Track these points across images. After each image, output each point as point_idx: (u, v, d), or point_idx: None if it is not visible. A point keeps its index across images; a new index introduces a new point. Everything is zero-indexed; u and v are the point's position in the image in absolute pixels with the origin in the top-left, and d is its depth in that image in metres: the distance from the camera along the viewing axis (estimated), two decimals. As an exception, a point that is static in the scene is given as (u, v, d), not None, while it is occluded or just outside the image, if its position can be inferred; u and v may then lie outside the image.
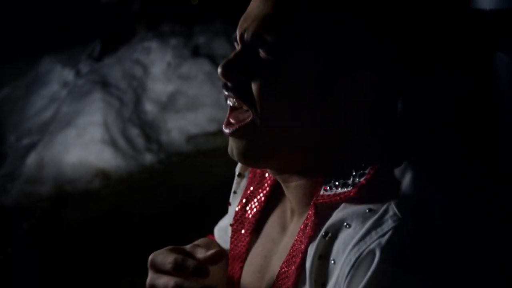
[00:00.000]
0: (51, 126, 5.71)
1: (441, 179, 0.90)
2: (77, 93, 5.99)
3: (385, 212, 0.83)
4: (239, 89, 0.94)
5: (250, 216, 1.09)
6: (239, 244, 1.09)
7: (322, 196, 0.90)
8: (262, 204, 1.08)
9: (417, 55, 0.90)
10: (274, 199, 1.08)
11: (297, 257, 0.91)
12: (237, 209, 1.11)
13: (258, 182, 1.10)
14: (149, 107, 5.84)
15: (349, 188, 0.88)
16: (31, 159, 5.27)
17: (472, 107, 1.01)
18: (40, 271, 3.92)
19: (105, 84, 5.97)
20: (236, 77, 0.94)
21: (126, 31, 6.65)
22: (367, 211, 0.84)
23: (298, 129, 0.92)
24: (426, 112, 0.95)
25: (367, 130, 0.93)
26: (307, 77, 0.90)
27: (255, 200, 1.09)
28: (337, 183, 0.90)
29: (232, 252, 1.10)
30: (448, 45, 0.94)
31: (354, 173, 0.89)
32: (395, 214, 0.82)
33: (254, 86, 0.92)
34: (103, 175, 5.07)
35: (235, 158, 0.96)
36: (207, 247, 1.07)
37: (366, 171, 0.88)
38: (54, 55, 6.88)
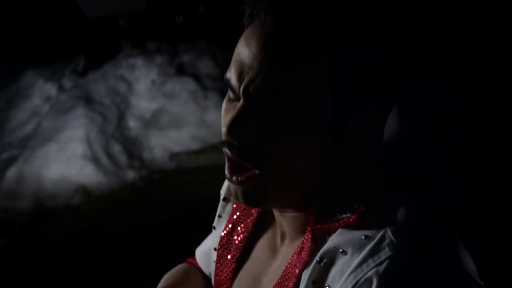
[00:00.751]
0: (32, 140, 5.65)
1: (433, 206, 0.91)
2: (60, 108, 5.94)
3: (382, 239, 0.84)
4: (245, 150, 0.89)
5: (237, 242, 1.08)
6: (225, 269, 1.09)
7: (320, 221, 0.90)
8: (250, 230, 1.07)
9: (418, 58, 0.90)
10: (262, 223, 1.07)
11: (289, 281, 0.91)
12: (223, 234, 1.10)
13: (245, 208, 1.10)
14: (132, 124, 5.82)
15: (348, 215, 0.88)
16: (11, 173, 5.20)
17: (472, 109, 1.02)
18: (18, 285, 3.86)
19: (88, 100, 5.93)
20: (243, 135, 0.89)
21: (111, 47, 6.63)
22: (363, 238, 0.85)
23: (308, 175, 0.91)
24: (426, 115, 0.96)
25: (367, 160, 0.93)
26: (320, 124, 0.87)
27: (242, 225, 1.09)
28: (334, 208, 0.90)
29: (217, 278, 1.10)
30: (448, 48, 0.95)
31: (352, 200, 0.89)
32: (391, 242, 0.83)
33: (263, 144, 0.88)
34: (84, 191, 5.02)
35: (241, 202, 0.94)
36: (185, 278, 1.08)
37: (364, 198, 0.89)
38: (37, 69, 6.83)
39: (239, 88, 0.89)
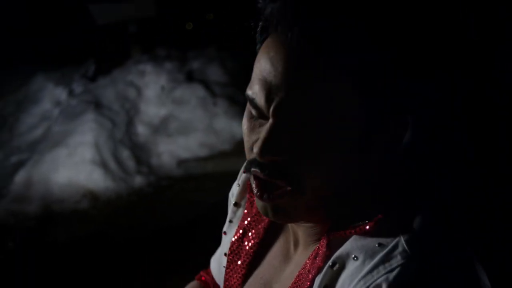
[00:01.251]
0: (41, 144, 5.67)
1: (448, 217, 0.90)
2: (69, 112, 5.97)
3: (395, 247, 0.83)
4: (277, 169, 0.87)
5: (248, 247, 1.07)
6: (235, 275, 1.08)
7: (337, 227, 0.89)
8: (261, 236, 1.07)
9: (418, 58, 0.89)
10: (273, 229, 1.07)
11: (302, 286, 0.90)
12: (233, 239, 1.10)
13: (256, 213, 1.09)
14: (141, 130, 5.83)
15: (365, 222, 0.87)
16: (19, 177, 5.22)
17: (472, 109, 1.02)
18: (24, 291, 3.87)
19: (98, 105, 5.95)
20: (275, 156, 0.87)
21: (121, 53, 6.66)
22: (376, 245, 0.84)
23: (337, 187, 0.89)
24: (427, 116, 0.96)
25: (387, 167, 0.92)
26: (352, 133, 0.86)
27: (254, 231, 1.08)
28: (351, 215, 0.89)
29: (227, 283, 1.09)
30: (448, 48, 0.94)
31: (369, 207, 0.89)
32: (404, 250, 0.82)
33: (297, 161, 0.86)
34: (92, 196, 5.03)
35: (271, 218, 0.93)
36: None
37: (381, 205, 0.88)
38: (47, 73, 6.86)
39: (268, 108, 0.86)
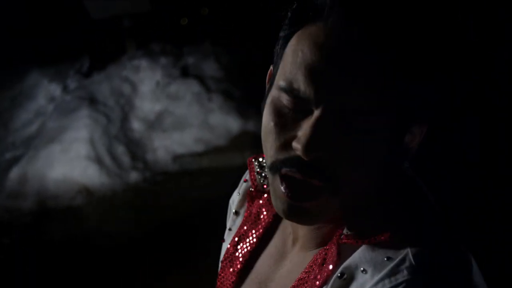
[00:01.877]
0: (35, 140, 5.66)
1: (452, 226, 0.90)
2: (64, 108, 5.95)
3: (402, 261, 0.82)
4: (317, 168, 0.82)
5: (240, 256, 1.07)
6: (226, 282, 1.08)
7: (347, 236, 0.88)
8: (254, 245, 1.06)
9: (417, 59, 0.87)
10: (268, 235, 1.06)
11: None
12: (228, 246, 1.10)
13: (252, 223, 1.08)
14: (136, 125, 5.82)
15: (377, 233, 0.85)
16: (14, 173, 5.20)
17: (471, 111, 1.02)
18: (19, 286, 3.86)
19: (92, 101, 5.94)
20: (320, 153, 0.81)
21: (116, 48, 6.64)
22: (385, 259, 0.83)
23: (367, 189, 0.87)
24: (426, 117, 0.95)
25: (393, 174, 0.92)
26: (389, 136, 0.83)
27: (247, 240, 1.07)
28: (362, 224, 0.88)
29: None
30: (448, 49, 0.93)
31: (380, 217, 0.87)
32: (411, 265, 0.81)
33: (337, 160, 0.82)
34: (87, 192, 5.02)
35: (293, 220, 0.88)
36: None
37: (393, 216, 0.87)
38: (41, 69, 6.83)
39: (316, 98, 0.81)
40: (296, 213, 0.87)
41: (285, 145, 0.84)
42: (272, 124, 0.85)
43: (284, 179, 0.85)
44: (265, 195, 1.06)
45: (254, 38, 6.29)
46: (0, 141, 6.00)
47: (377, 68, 0.79)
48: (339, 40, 0.80)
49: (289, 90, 0.83)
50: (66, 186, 5.07)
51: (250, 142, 5.52)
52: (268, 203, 1.05)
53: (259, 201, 1.07)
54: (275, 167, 0.85)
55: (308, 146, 0.81)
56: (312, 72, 0.81)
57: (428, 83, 0.86)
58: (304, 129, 0.82)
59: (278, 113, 0.85)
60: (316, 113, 0.82)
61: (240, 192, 1.13)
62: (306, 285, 0.90)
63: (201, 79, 6.25)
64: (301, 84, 0.82)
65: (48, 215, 4.75)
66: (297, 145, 0.82)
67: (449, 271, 0.82)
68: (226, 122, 5.84)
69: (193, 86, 6.15)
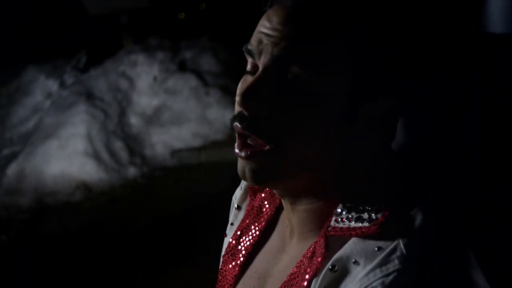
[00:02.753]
0: (33, 136, 5.65)
1: (448, 219, 0.90)
2: (61, 104, 5.94)
3: (393, 251, 0.82)
4: (257, 123, 0.88)
5: (243, 249, 1.07)
6: (228, 276, 1.08)
7: (335, 228, 0.88)
8: (256, 238, 1.07)
9: (418, 58, 0.89)
10: (270, 228, 1.06)
11: (298, 285, 0.89)
12: (230, 240, 1.10)
13: (254, 216, 1.09)
14: (134, 121, 5.81)
15: (365, 224, 0.86)
16: (12, 169, 5.20)
17: (472, 109, 1.01)
18: (18, 283, 3.86)
19: (89, 96, 5.93)
20: (257, 106, 0.88)
21: (113, 43, 6.63)
22: (376, 249, 0.83)
23: (319, 155, 0.89)
24: (426, 116, 0.95)
25: (381, 161, 0.91)
26: (335, 103, 0.87)
27: (250, 234, 1.08)
28: (350, 215, 0.88)
29: (220, 284, 1.09)
30: (449, 47, 0.93)
31: (369, 208, 0.88)
32: (402, 255, 0.82)
33: (277, 119, 0.87)
34: (85, 187, 5.02)
35: (248, 180, 0.93)
36: None
37: (382, 207, 0.87)
38: (39, 65, 6.83)
39: (259, 56, 0.89)
40: (246, 171, 0.91)
41: (236, 102, 0.91)
42: (240, 83, 0.92)
43: (237, 135, 0.91)
44: (267, 189, 1.08)
45: (252, 32, 6.27)
46: (-3, 137, 6.00)
47: (321, 32, 0.85)
48: (283, 11, 0.88)
49: (246, 50, 0.92)
50: (64, 182, 5.07)
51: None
52: (270, 196, 1.07)
53: (261, 195, 1.08)
54: (231, 124, 0.90)
55: (243, 95, 0.87)
56: (259, 34, 0.90)
57: (429, 81, 0.87)
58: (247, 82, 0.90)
59: (244, 79, 0.92)
60: (260, 69, 0.89)
61: (242, 186, 1.14)
62: (297, 279, 0.90)
63: (199, 74, 6.25)
64: (252, 43, 0.90)
65: (46, 211, 4.75)
66: (237, 97, 0.89)
67: (440, 261, 0.82)
68: (224, 117, 5.84)
69: (191, 80, 6.15)
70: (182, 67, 6.33)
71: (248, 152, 0.89)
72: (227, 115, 5.87)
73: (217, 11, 6.91)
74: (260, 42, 0.90)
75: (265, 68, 0.88)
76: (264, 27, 0.90)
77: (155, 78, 6.14)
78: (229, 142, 5.63)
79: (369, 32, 0.85)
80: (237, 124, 0.89)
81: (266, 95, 0.87)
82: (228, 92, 6.09)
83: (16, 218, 4.64)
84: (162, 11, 6.88)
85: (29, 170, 5.18)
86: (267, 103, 0.87)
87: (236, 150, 0.91)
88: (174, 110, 5.91)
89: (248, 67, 0.93)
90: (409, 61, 0.86)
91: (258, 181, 0.92)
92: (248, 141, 0.89)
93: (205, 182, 4.98)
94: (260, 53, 0.89)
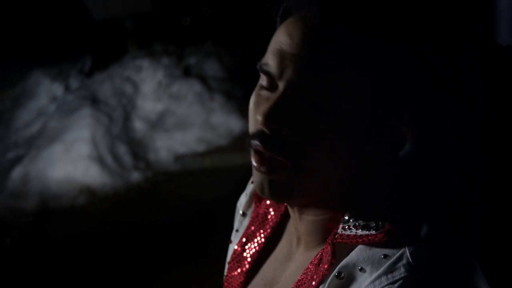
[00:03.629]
0: (38, 140, 5.67)
1: (454, 227, 0.90)
2: (66, 108, 5.96)
3: (399, 259, 0.82)
4: (278, 142, 0.85)
5: (248, 256, 1.07)
6: (233, 283, 1.08)
7: (341, 235, 0.88)
8: (262, 245, 1.07)
9: (430, 61, 0.89)
10: (276, 235, 1.07)
11: None
12: (236, 247, 1.10)
13: (259, 223, 1.09)
14: (138, 125, 5.82)
15: (372, 231, 0.86)
16: (16, 173, 5.21)
17: (481, 115, 1.01)
18: (21, 286, 3.87)
19: (94, 101, 5.95)
20: (279, 126, 0.85)
21: (118, 48, 6.65)
22: (382, 257, 0.84)
23: (337, 170, 0.88)
24: (433, 122, 0.95)
25: (388, 170, 0.92)
26: (357, 119, 0.86)
27: (255, 240, 1.08)
28: (357, 223, 0.88)
29: None
30: (460, 49, 0.93)
31: (376, 216, 0.88)
32: (408, 263, 0.82)
33: (299, 137, 0.85)
34: (89, 191, 5.03)
35: (267, 195, 0.91)
36: None
37: (388, 215, 0.87)
38: (44, 69, 6.84)
39: (280, 75, 0.86)
40: (265, 186, 0.90)
41: (256, 120, 0.89)
42: (251, 103, 0.91)
43: (255, 152, 0.89)
44: None
45: (256, 38, 6.29)
46: (2, 141, 6.00)
47: (343, 49, 0.84)
48: (303, 29, 0.85)
49: (262, 68, 0.89)
50: (68, 185, 5.08)
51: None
52: (275, 203, 1.06)
53: (266, 201, 1.08)
54: (249, 141, 0.89)
55: (266, 116, 0.85)
56: (278, 52, 0.86)
57: (440, 86, 0.87)
58: (268, 103, 0.87)
59: (257, 93, 0.91)
60: (280, 86, 0.86)
61: (247, 193, 1.14)
62: (304, 286, 0.90)
63: (203, 79, 6.26)
64: (270, 61, 0.87)
65: (50, 214, 4.76)
66: (258, 117, 0.86)
67: (446, 269, 0.82)
68: (228, 122, 5.85)
69: (195, 86, 6.16)
70: (187, 72, 6.35)
71: (268, 168, 0.88)
72: (231, 120, 5.88)
73: (221, 17, 6.92)
74: (280, 61, 0.86)
75: (288, 88, 0.86)
76: (285, 44, 0.86)
77: (159, 83, 6.16)
78: (233, 147, 5.63)
79: (392, 46, 0.85)
80: (257, 143, 0.87)
81: (288, 115, 0.86)
82: (232, 97, 6.09)
83: (20, 221, 4.65)
84: (166, 16, 6.90)
85: (33, 173, 5.19)
86: (289, 123, 0.86)
87: (255, 164, 0.89)
88: (178, 115, 5.92)
89: (264, 82, 0.90)
90: (421, 63, 0.86)
91: (277, 197, 0.91)
92: (267, 156, 0.88)
93: (209, 187, 4.98)
94: (280, 73, 0.87)
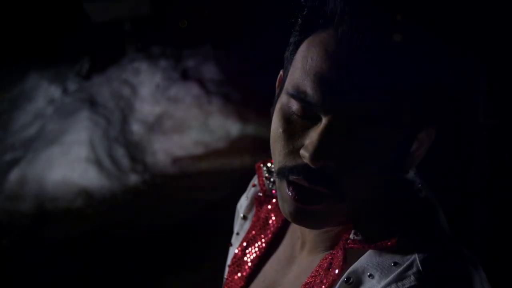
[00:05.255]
0: (35, 142, 5.65)
1: (465, 237, 0.90)
2: (64, 110, 5.95)
3: (410, 266, 0.82)
4: (322, 175, 0.81)
5: (249, 261, 1.07)
6: (233, 286, 1.08)
7: (354, 241, 0.88)
8: (263, 250, 1.06)
9: (430, 69, 0.87)
10: (277, 240, 1.06)
11: None
12: (236, 251, 1.09)
13: (261, 227, 1.08)
14: (136, 128, 5.82)
15: (383, 238, 0.85)
16: (13, 175, 5.20)
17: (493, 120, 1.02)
18: (18, 290, 3.86)
19: (92, 103, 5.94)
20: (325, 161, 0.81)
21: (116, 51, 6.65)
22: (392, 264, 0.83)
23: (372, 196, 0.87)
24: (434, 123, 0.96)
25: (401, 179, 0.92)
26: (397, 144, 0.83)
27: (256, 245, 1.07)
28: (368, 229, 0.88)
29: None
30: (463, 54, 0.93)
31: (386, 222, 0.87)
32: (418, 271, 0.81)
33: (344, 167, 0.81)
34: (86, 194, 5.02)
35: (300, 224, 0.88)
36: None
37: (400, 223, 0.87)
38: (41, 71, 6.83)
39: (323, 104, 0.80)
40: (302, 216, 0.86)
41: (293, 152, 0.84)
42: (280, 130, 0.85)
43: (290, 183, 0.85)
44: (274, 200, 1.06)
45: (254, 41, 6.30)
46: (0, 143, 5.99)
47: (386, 78, 0.79)
48: (348, 48, 0.78)
49: (298, 96, 0.82)
50: (65, 188, 5.07)
51: (250, 145, 5.52)
52: (277, 208, 1.05)
53: (267, 206, 1.07)
54: (282, 173, 0.85)
55: (315, 154, 0.80)
56: (320, 79, 0.80)
57: (441, 91, 0.85)
58: (312, 137, 0.81)
59: (287, 119, 0.85)
60: (324, 120, 0.81)
61: (248, 196, 1.13)
62: None
63: (201, 82, 6.26)
64: (309, 89, 0.81)
65: (48, 217, 4.75)
66: (304, 153, 0.81)
67: (456, 278, 0.82)
68: (225, 125, 5.85)
69: (193, 88, 6.15)
70: (185, 75, 6.35)
71: (308, 199, 0.84)
72: (229, 123, 5.88)
73: (219, 19, 6.93)
74: (323, 89, 0.80)
75: (334, 119, 0.80)
76: (326, 68, 0.79)
77: (157, 86, 6.16)
78: (230, 150, 5.63)
79: (377, 42, 0.81)
80: (300, 178, 0.83)
81: (336, 148, 0.81)
82: (230, 100, 6.10)
83: (18, 223, 4.64)
84: (164, 19, 6.90)
85: (31, 176, 5.18)
86: (336, 155, 0.81)
87: (293, 196, 0.84)
88: (176, 118, 5.92)
89: (295, 108, 0.84)
90: (420, 72, 0.84)
91: (312, 226, 0.89)
92: (306, 186, 0.84)
93: (206, 189, 4.98)
94: (323, 102, 0.80)
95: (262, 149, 4.89)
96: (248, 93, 5.97)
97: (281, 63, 0.90)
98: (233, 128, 5.83)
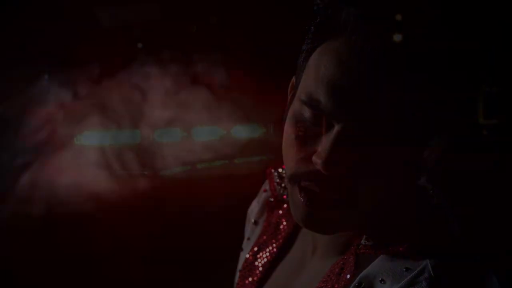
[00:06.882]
0: (46, 147, 5.68)
1: (476, 243, 0.90)
2: (74, 115, 5.97)
3: (421, 272, 0.83)
4: (336, 182, 0.81)
5: (260, 266, 1.08)
6: None
7: (365, 246, 0.88)
8: (274, 255, 1.07)
9: (444, 79, 0.88)
10: (288, 245, 1.07)
11: None
12: (247, 256, 1.10)
13: (272, 233, 1.09)
14: (146, 133, 5.83)
15: (395, 243, 0.86)
16: (24, 179, 5.22)
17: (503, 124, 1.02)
18: (28, 293, 3.88)
19: (102, 108, 5.96)
20: (338, 168, 0.81)
21: (126, 56, 6.67)
22: (404, 269, 0.83)
23: (384, 201, 0.88)
24: (446, 132, 0.96)
25: (413, 184, 0.92)
26: (408, 151, 0.84)
27: (267, 250, 1.08)
28: (380, 234, 0.89)
29: None
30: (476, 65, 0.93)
31: (399, 228, 0.88)
32: (430, 276, 0.82)
33: (356, 173, 0.81)
34: (97, 198, 5.03)
35: (310, 228, 0.90)
36: None
37: (412, 228, 0.87)
38: (52, 75, 6.86)
39: (336, 112, 0.79)
40: (314, 222, 0.87)
41: (305, 158, 0.85)
42: (293, 137, 0.87)
43: (302, 189, 0.85)
44: (285, 205, 1.07)
45: (264, 47, 6.31)
46: (10, 147, 6.01)
47: (399, 87, 0.79)
48: (361, 57, 0.79)
49: (310, 103, 0.83)
50: (75, 192, 5.09)
51: (259, 151, 5.52)
52: (288, 213, 1.06)
53: (278, 211, 1.08)
54: (294, 179, 0.86)
55: (327, 161, 0.81)
56: (333, 87, 0.80)
57: (453, 103, 0.86)
58: (324, 144, 0.83)
59: (300, 126, 0.86)
60: (337, 128, 0.82)
61: (260, 201, 1.14)
62: None
63: (211, 87, 6.27)
64: (321, 97, 0.82)
65: (58, 221, 4.77)
66: (317, 160, 0.83)
67: (468, 284, 0.82)
68: (235, 131, 5.85)
69: (203, 94, 6.16)
70: (194, 80, 6.36)
71: (320, 205, 0.85)
72: (238, 129, 5.88)
73: (229, 25, 6.93)
74: (336, 98, 0.80)
75: (346, 127, 0.81)
76: (339, 76, 0.80)
77: (167, 91, 6.17)
78: (240, 156, 5.63)
79: (391, 52, 0.81)
80: (312, 184, 0.83)
81: (349, 155, 0.82)
82: (239, 106, 6.10)
83: (28, 227, 4.66)
84: (175, 24, 6.91)
85: (41, 180, 5.20)
86: (349, 162, 0.83)
87: (305, 202, 0.86)
88: (185, 123, 5.93)
89: (308, 115, 0.84)
90: (433, 82, 0.84)
91: (324, 232, 0.90)
92: (318, 192, 0.85)
93: (216, 195, 4.99)
94: (336, 110, 0.81)
95: (272, 154, 4.90)
96: (258, 98, 5.98)
97: (291, 69, 0.90)
98: (242, 133, 5.83)
